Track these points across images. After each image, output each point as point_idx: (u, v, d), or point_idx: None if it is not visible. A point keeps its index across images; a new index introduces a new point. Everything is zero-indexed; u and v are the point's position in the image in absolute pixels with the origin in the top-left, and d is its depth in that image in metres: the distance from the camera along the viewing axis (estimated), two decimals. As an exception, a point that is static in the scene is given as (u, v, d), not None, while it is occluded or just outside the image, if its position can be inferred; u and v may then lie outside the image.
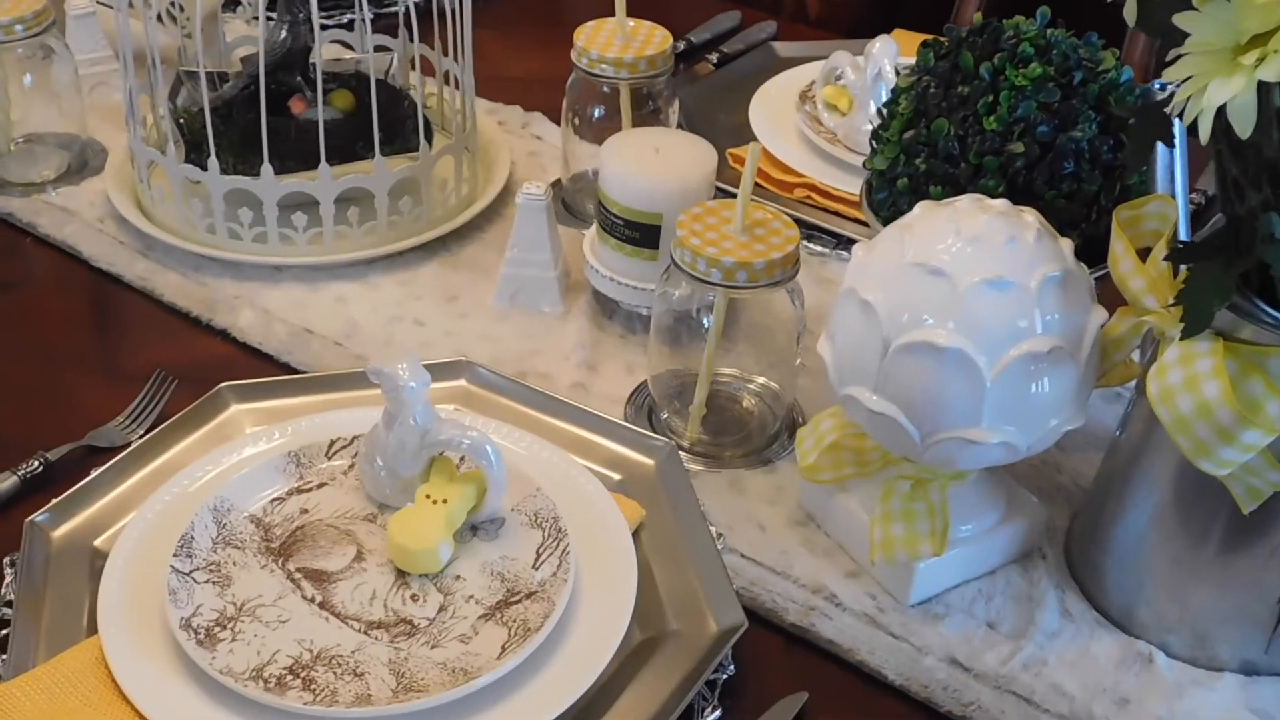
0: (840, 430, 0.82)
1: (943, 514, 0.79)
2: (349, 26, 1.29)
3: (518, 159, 1.24)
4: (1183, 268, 0.70)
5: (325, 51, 1.27)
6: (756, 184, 1.04)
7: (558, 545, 0.79)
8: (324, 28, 1.26)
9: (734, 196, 0.88)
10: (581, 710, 0.72)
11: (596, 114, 1.14)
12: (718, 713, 0.75)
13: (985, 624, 0.81)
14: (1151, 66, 1.47)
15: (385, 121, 1.08)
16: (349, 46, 1.29)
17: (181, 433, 0.89)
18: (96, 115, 1.26)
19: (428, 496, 0.80)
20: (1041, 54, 0.84)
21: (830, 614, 0.81)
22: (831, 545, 0.86)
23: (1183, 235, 0.74)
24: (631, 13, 1.10)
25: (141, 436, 0.91)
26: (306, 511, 0.82)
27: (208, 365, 1.00)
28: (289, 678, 0.72)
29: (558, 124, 1.26)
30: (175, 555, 0.77)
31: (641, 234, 0.99)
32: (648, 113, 1.13)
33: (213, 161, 1.05)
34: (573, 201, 1.19)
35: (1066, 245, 0.75)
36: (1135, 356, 0.79)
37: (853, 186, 1.17)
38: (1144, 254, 0.76)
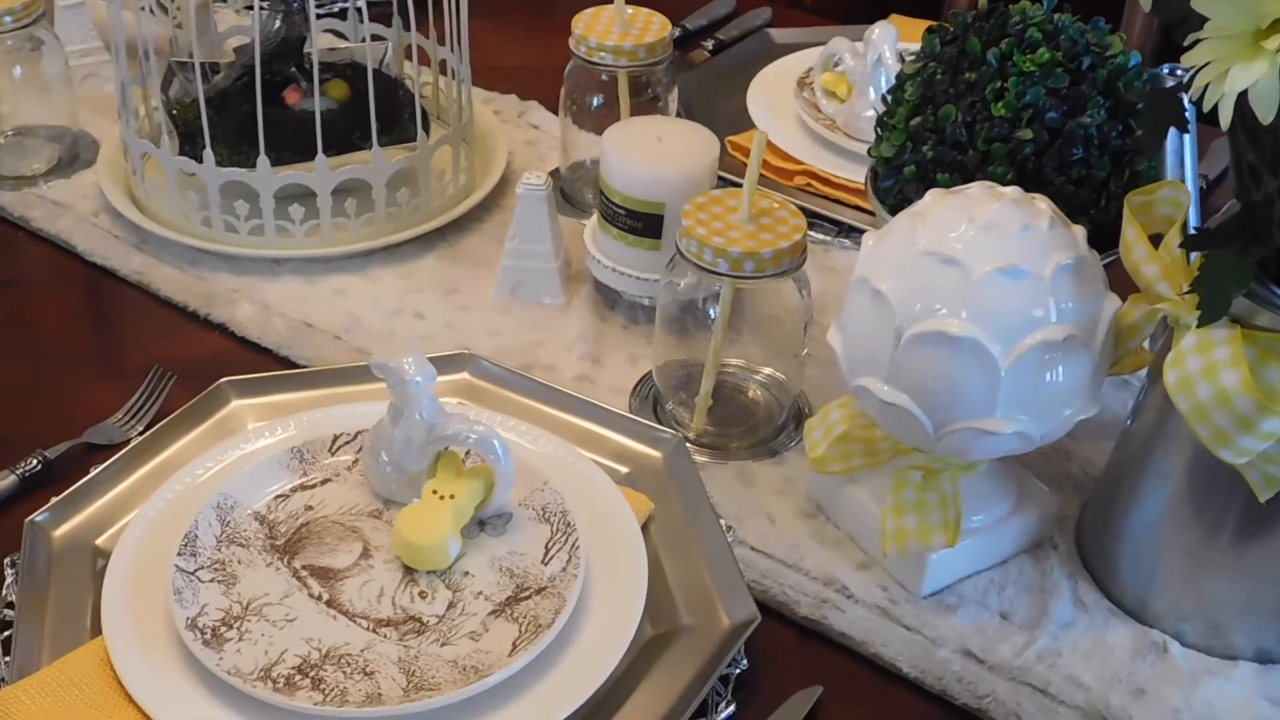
0: (850, 421, 0.81)
1: (955, 504, 0.78)
2: (342, 15, 1.27)
3: (515, 149, 1.23)
4: (1198, 254, 0.69)
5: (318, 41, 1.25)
6: (757, 172, 1.03)
7: (567, 539, 0.78)
8: (318, 16, 1.24)
9: (736, 185, 0.87)
10: (594, 707, 0.71)
11: (595, 102, 1.12)
12: (732, 708, 0.74)
13: (999, 615, 0.80)
14: (1149, 49, 1.46)
15: (381, 112, 1.07)
16: (342, 36, 1.28)
17: (182, 429, 0.88)
18: (87, 107, 1.25)
19: (434, 492, 0.79)
20: (1049, 39, 0.84)
21: (843, 606, 0.80)
22: (841, 537, 0.85)
23: (1193, 221, 0.74)
24: (628, -1, 1.09)
25: (141, 433, 0.90)
26: (311, 508, 0.81)
27: (206, 360, 0.98)
28: (298, 678, 0.71)
29: (554, 113, 1.25)
30: (179, 554, 0.76)
31: (644, 224, 0.98)
32: (646, 100, 1.12)
33: (208, 154, 1.04)
34: (571, 191, 1.18)
35: (1079, 232, 0.75)
36: (1145, 344, 0.79)
37: (853, 173, 1.16)
38: (1155, 240, 0.75)
